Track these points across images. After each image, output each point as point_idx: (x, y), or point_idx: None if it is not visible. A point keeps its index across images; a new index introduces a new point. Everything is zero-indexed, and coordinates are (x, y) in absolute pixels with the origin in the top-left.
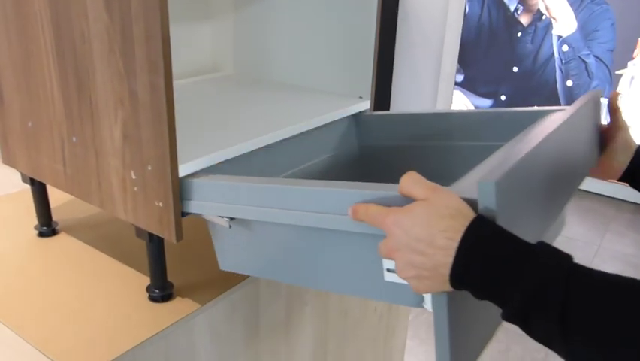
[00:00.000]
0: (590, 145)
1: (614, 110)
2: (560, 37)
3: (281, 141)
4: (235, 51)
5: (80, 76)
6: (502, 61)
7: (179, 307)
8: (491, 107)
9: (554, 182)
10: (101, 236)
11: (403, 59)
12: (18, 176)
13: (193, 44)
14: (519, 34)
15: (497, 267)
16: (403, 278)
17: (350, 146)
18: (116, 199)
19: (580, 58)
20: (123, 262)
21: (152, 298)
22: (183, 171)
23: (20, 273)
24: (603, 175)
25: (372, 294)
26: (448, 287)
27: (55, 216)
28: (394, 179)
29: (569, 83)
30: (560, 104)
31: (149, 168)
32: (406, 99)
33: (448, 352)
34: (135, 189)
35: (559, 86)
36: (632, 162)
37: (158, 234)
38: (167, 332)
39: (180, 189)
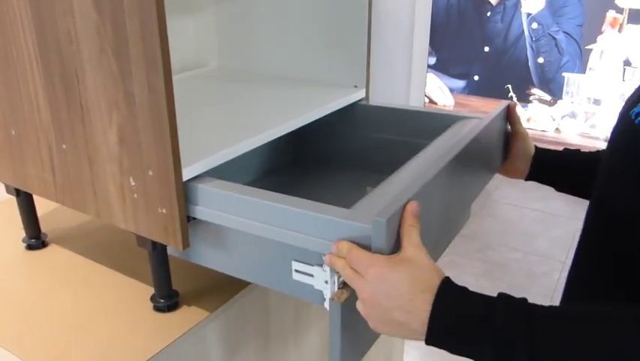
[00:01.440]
0: (496, 152)
1: (512, 120)
2: (529, 14)
3: (281, 136)
4: (219, 45)
5: (68, 79)
6: (473, 41)
7: (186, 315)
8: (465, 87)
9: (455, 195)
10: (94, 245)
11: (373, 44)
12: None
13: (175, 40)
14: (488, 13)
15: (466, 332)
16: (372, 327)
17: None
18: (113, 208)
19: (550, 34)
20: (121, 272)
21: (158, 309)
22: (187, 174)
23: (12, 290)
24: (511, 176)
25: (284, 288)
26: (413, 338)
27: (43, 227)
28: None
29: (540, 60)
30: (532, 82)
31: (150, 173)
32: (380, 85)
33: (339, 346)
34: (135, 196)
35: (530, 63)
36: (532, 167)
37: (162, 242)
38: (179, 342)
39: (185, 194)
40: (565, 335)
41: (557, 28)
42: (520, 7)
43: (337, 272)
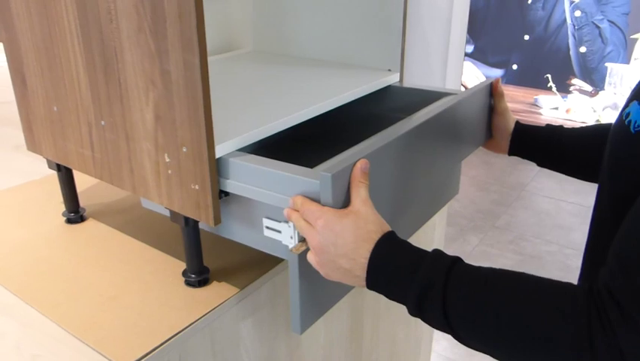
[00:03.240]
0: (479, 126)
1: (495, 95)
2: (572, 2)
3: (314, 117)
4: (254, 28)
5: (108, 57)
6: (512, 29)
7: (217, 291)
8: (503, 77)
9: (423, 164)
10: (129, 220)
11: (410, 31)
12: (40, 163)
13: (211, 22)
14: (529, 1)
15: (397, 279)
16: (323, 274)
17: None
18: (149, 183)
19: (593, 23)
20: (154, 247)
21: (189, 283)
22: (220, 152)
23: (52, 261)
24: (495, 151)
25: (255, 244)
26: (358, 284)
27: (81, 202)
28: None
29: (583, 49)
30: (573, 72)
31: (184, 149)
32: (415, 71)
33: (298, 296)
34: (169, 172)
35: (572, 52)
36: (512, 142)
37: (194, 218)
38: (209, 317)
39: (217, 170)
40: (474, 285)
41: (602, 17)
42: None
43: None
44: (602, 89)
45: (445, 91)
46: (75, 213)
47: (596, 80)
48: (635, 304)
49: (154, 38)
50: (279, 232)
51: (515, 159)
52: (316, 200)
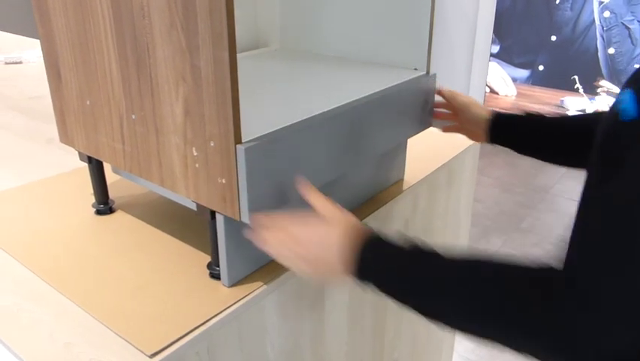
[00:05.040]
0: (410, 114)
1: (445, 97)
2: (601, 2)
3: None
4: (281, 26)
5: (140, 52)
6: (539, 30)
7: (241, 284)
8: (528, 77)
9: (347, 145)
10: (157, 213)
11: (435, 31)
12: (71, 156)
13: (239, 20)
14: (557, 1)
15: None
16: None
17: None
18: (176, 176)
19: (623, 24)
20: (180, 239)
21: (213, 276)
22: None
23: (81, 251)
24: (476, 140)
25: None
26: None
27: (111, 194)
28: None
29: (611, 50)
30: (601, 73)
31: (212, 144)
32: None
33: (225, 256)
34: (197, 165)
35: (600, 54)
36: (490, 130)
37: (220, 211)
38: (233, 310)
39: None
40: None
41: (632, 17)
42: None
43: None
44: None
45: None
46: (104, 205)
47: (625, 82)
48: (586, 278)
49: (185, 34)
50: None
51: (540, 161)
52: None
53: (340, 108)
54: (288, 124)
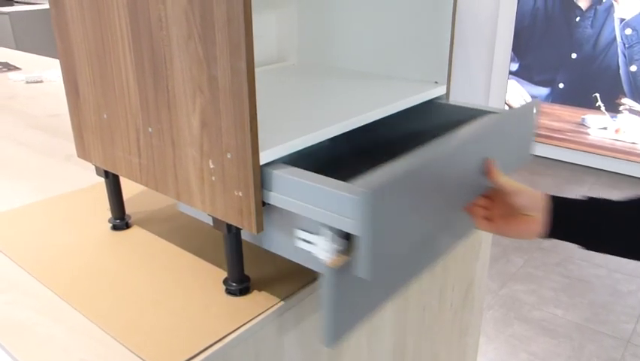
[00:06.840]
0: (520, 145)
1: (490, 176)
2: (622, 20)
3: (358, 128)
4: (299, 40)
5: (157, 64)
6: (559, 47)
7: (258, 300)
8: (548, 95)
9: (466, 181)
10: (173, 228)
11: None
12: (88, 172)
13: (258, 34)
14: (577, 18)
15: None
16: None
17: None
18: (192, 190)
19: None
20: (196, 255)
21: (230, 292)
22: (264, 158)
23: (96, 266)
24: (525, 237)
25: (290, 255)
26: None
27: (127, 210)
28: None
29: (633, 68)
30: (623, 91)
31: (229, 156)
32: (458, 90)
33: (332, 315)
34: (213, 178)
35: (622, 71)
36: (555, 221)
37: (237, 225)
38: (256, 328)
39: (261, 178)
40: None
41: None
42: (613, 12)
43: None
44: None
45: (488, 109)
46: (121, 220)
47: None
48: None
49: (203, 44)
50: (313, 244)
51: (563, 178)
52: (352, 218)
53: (463, 136)
54: (414, 165)
